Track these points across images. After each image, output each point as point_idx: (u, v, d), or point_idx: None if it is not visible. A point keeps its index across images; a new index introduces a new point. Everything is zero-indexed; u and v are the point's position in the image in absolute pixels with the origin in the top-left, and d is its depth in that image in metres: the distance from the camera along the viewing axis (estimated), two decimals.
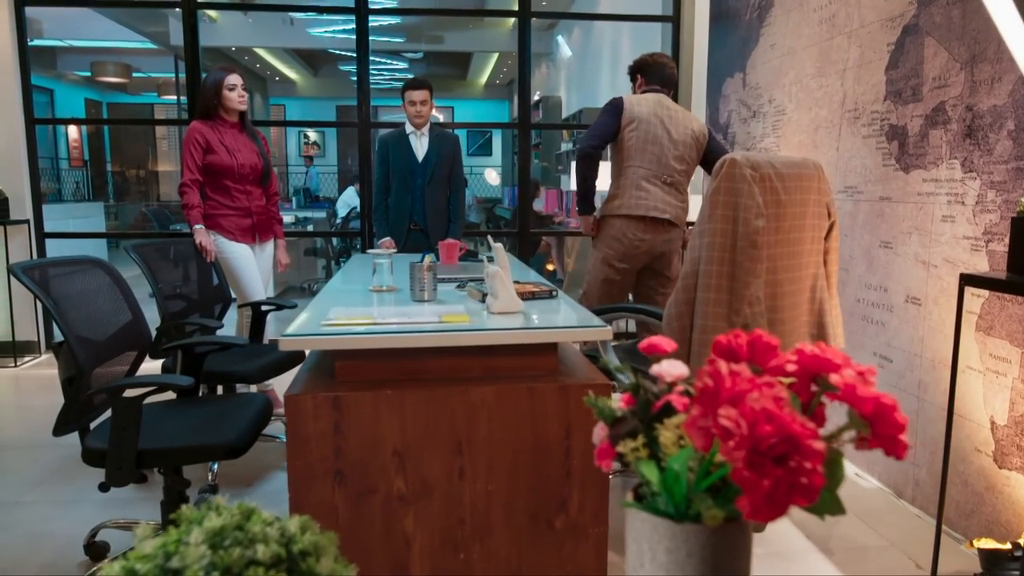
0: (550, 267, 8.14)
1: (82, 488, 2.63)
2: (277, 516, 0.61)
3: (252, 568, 0.53)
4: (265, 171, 3.29)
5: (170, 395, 2.20)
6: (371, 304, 2.02)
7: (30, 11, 8.90)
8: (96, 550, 2.15)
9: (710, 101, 4.31)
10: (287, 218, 7.76)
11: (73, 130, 14.00)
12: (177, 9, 4.68)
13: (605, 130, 3.04)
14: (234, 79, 3.21)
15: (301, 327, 1.68)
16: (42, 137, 12.81)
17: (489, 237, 2.00)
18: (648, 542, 0.54)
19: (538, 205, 9.02)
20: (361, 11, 4.76)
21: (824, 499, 0.53)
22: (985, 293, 2.18)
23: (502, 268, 1.82)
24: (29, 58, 4.56)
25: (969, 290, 2.17)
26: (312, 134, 17.57)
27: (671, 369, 0.59)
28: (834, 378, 0.55)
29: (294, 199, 12.36)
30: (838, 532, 2.37)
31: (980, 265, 2.22)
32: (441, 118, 15.84)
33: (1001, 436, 2.14)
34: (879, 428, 0.54)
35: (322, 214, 9.51)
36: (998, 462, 2.15)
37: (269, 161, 3.33)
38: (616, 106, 3.05)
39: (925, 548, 2.19)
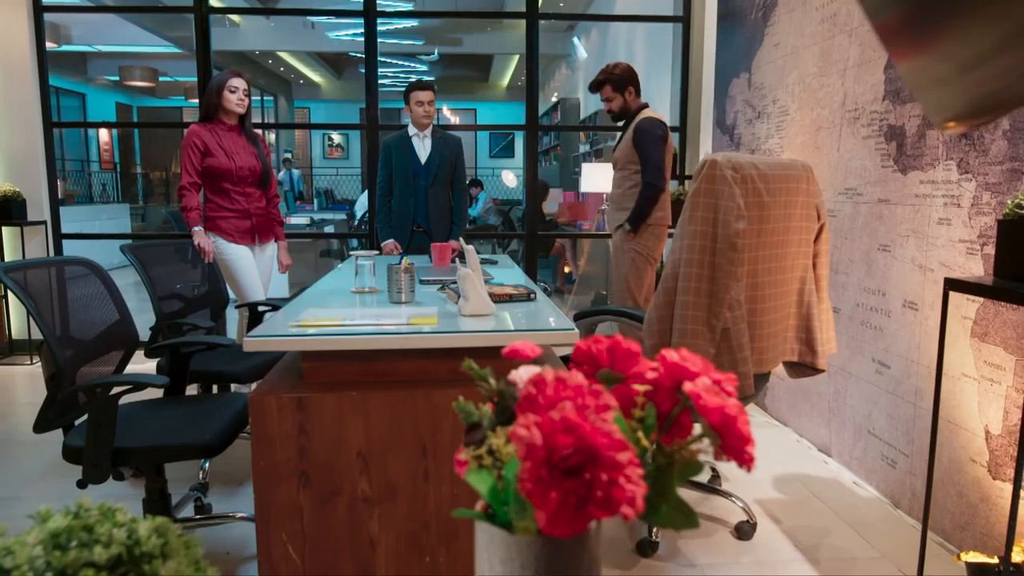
0: (567, 269, 8.11)
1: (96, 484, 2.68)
2: (135, 518, 0.61)
3: (85, 570, 0.53)
4: (264, 174, 3.32)
5: (158, 394, 2.24)
6: (350, 306, 2.02)
7: (59, 17, 9.14)
8: None
9: (717, 102, 4.25)
10: (304, 220, 7.85)
11: (104, 133, 14.35)
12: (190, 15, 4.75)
13: (664, 161, 3.32)
14: (237, 82, 3.25)
15: (268, 328, 1.69)
16: (74, 140, 13.18)
17: (461, 239, 1.99)
18: (487, 551, 0.53)
19: (554, 207, 9.00)
20: (369, 15, 4.79)
21: (662, 512, 0.51)
22: (980, 298, 2.11)
23: (473, 270, 1.81)
24: (47, 63, 4.67)
25: (964, 295, 2.10)
26: (336, 136, 17.78)
27: (526, 375, 0.57)
28: (687, 386, 0.53)
29: (316, 201, 12.51)
30: (829, 542, 2.31)
31: (975, 269, 2.15)
32: (457, 120, 15.89)
33: (995, 446, 2.07)
34: (726, 439, 0.52)
35: (342, 215, 9.61)
36: (992, 473, 2.08)
37: (268, 164, 3.36)
38: (663, 135, 3.30)
39: (916, 560, 2.13)
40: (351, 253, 2.25)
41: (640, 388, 0.56)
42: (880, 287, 2.63)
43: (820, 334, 2.24)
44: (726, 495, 2.46)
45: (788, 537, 2.34)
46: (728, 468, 2.89)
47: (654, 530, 2.22)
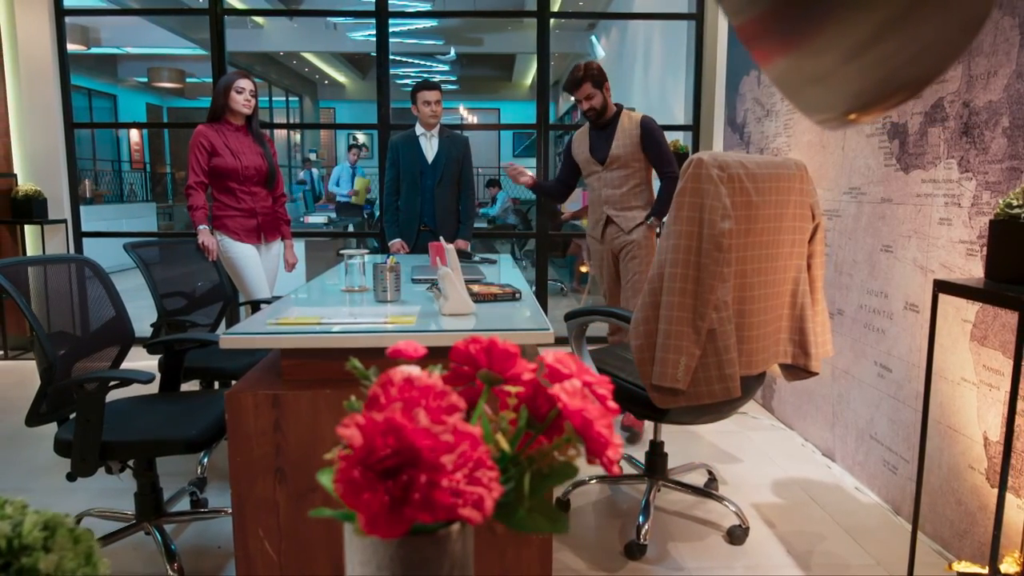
0: (584, 268, 8.08)
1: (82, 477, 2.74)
2: (31, 511, 0.62)
3: None
4: (270, 173, 3.36)
5: (155, 390, 2.28)
6: (338, 304, 2.04)
7: (88, 20, 9.34)
8: None
9: (728, 100, 4.20)
10: (322, 219, 7.93)
11: (135, 134, 14.67)
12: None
13: None
14: (244, 83, 3.29)
15: (247, 325, 1.71)
16: (106, 141, 13.47)
17: (441, 238, 1.99)
18: (349, 550, 0.53)
19: (575, 206, 8.97)
20: (381, 15, 4.82)
21: (518, 515, 0.50)
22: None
23: (453, 270, 1.81)
24: (68, 65, 4.78)
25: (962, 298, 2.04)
26: (361, 136, 17.93)
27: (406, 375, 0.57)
28: (552, 388, 0.53)
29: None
30: (823, 548, 2.27)
31: (975, 271, 2.09)
32: (475, 119, 15.90)
33: (994, 453, 2.01)
34: (588, 442, 0.51)
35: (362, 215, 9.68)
36: (991, 481, 2.02)
37: (274, 163, 3.40)
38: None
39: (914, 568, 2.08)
40: (341, 252, 2.26)
41: (512, 390, 0.56)
42: (882, 289, 2.57)
43: (814, 336, 2.19)
44: (719, 498, 2.42)
45: (781, 542, 2.30)
46: (727, 470, 2.85)
47: (642, 533, 2.20)
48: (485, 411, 0.61)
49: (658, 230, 3.37)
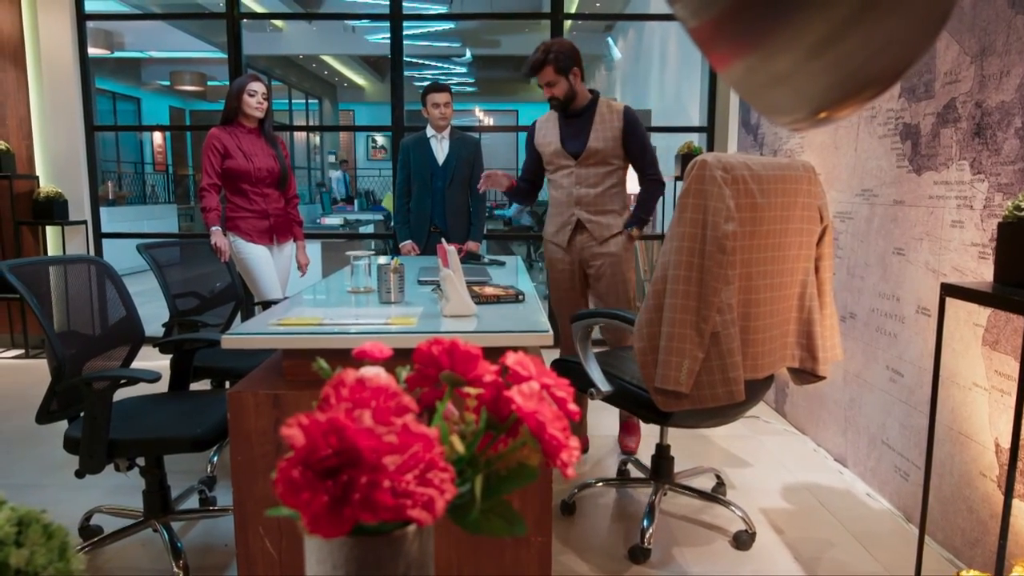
0: None
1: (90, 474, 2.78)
2: (6, 507, 0.63)
3: None
4: (282, 175, 3.39)
5: (165, 389, 2.32)
6: (343, 305, 2.05)
7: (112, 25, 9.50)
8: (89, 532, 2.28)
9: (742, 101, 4.17)
10: (338, 220, 7.99)
11: (158, 136, 14.88)
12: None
13: None
14: (256, 86, 3.33)
15: (249, 325, 1.73)
16: (130, 143, 13.67)
17: (443, 239, 2.00)
18: (308, 549, 0.53)
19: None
20: (396, 19, 4.85)
21: (470, 517, 0.50)
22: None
23: (454, 272, 1.81)
24: (90, 69, 4.86)
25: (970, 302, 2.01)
26: (380, 138, 18.04)
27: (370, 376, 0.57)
28: (509, 390, 0.53)
29: (356, 201, 12.74)
30: (830, 555, 2.24)
31: (987, 274, 2.06)
32: (491, 121, 15.91)
33: (1006, 460, 1.97)
34: (542, 444, 0.51)
35: (379, 216, 9.74)
36: (1003, 488, 1.98)
37: (287, 165, 3.43)
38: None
39: None
40: (347, 253, 2.28)
41: (472, 392, 0.56)
42: (894, 292, 2.53)
43: (822, 340, 2.17)
44: (725, 503, 2.40)
45: (788, 548, 2.27)
46: (736, 475, 2.82)
47: (647, 537, 2.19)
48: (453, 412, 0.61)
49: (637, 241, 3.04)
